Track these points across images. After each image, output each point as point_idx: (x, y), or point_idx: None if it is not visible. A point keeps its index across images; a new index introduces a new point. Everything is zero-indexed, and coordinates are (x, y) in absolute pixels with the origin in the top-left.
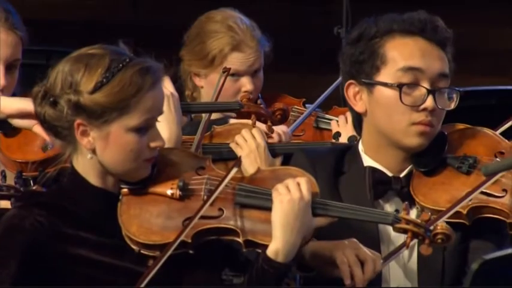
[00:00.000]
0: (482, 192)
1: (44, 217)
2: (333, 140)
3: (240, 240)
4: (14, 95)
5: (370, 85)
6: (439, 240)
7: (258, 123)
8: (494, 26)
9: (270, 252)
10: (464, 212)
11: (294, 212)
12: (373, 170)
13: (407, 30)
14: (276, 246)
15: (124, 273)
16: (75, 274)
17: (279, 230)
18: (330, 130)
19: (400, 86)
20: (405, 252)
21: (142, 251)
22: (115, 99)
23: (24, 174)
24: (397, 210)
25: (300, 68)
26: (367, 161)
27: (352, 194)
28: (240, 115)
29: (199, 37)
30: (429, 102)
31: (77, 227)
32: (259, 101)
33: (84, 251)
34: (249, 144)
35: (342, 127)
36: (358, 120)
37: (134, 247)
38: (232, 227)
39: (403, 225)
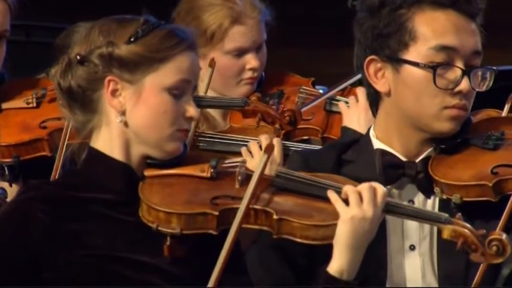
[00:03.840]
0: (508, 165)
1: (47, 214)
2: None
3: (274, 219)
4: (1, 74)
5: (397, 63)
6: (494, 248)
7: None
8: None
9: (334, 271)
10: (491, 184)
11: (365, 231)
12: (383, 152)
13: (438, 2)
14: (341, 266)
15: (136, 267)
16: (81, 270)
17: (345, 250)
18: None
19: (434, 68)
20: (426, 256)
21: (160, 228)
22: (152, 49)
23: None
24: (411, 201)
25: (310, 43)
26: (379, 146)
27: (361, 181)
28: (245, 114)
29: (192, 12)
30: (464, 84)
31: (86, 218)
32: (271, 102)
33: (93, 244)
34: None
35: (353, 108)
36: (375, 100)
37: (152, 225)
38: (264, 208)
39: (457, 228)
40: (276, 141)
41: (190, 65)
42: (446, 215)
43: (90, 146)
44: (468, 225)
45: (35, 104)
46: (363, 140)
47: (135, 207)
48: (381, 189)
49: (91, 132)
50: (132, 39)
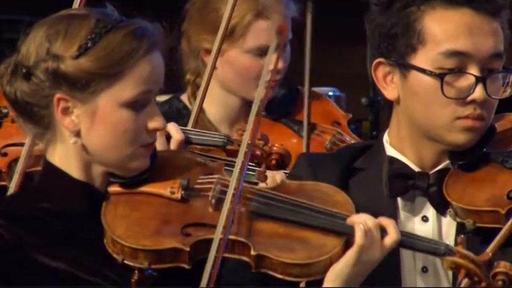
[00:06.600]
0: None
1: (4, 228)
2: None
3: (252, 254)
4: None
5: (404, 68)
6: (500, 283)
7: None
8: None
9: None
10: (503, 211)
11: (370, 264)
12: (392, 160)
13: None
14: None
15: None
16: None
17: (345, 281)
18: None
19: (441, 76)
20: (442, 278)
21: (126, 261)
22: (105, 64)
23: None
24: (424, 217)
25: (324, 41)
26: (391, 153)
27: (366, 191)
28: (228, 153)
29: (210, 4)
30: (478, 93)
31: (48, 239)
32: (258, 137)
33: (55, 266)
34: None
35: None
36: (389, 106)
37: (117, 256)
38: (241, 239)
39: (457, 259)
40: (279, 176)
41: (152, 71)
42: (447, 243)
43: (47, 160)
44: (471, 255)
45: None
46: (376, 145)
47: (99, 229)
48: (391, 225)
49: (47, 145)
50: (80, 52)
